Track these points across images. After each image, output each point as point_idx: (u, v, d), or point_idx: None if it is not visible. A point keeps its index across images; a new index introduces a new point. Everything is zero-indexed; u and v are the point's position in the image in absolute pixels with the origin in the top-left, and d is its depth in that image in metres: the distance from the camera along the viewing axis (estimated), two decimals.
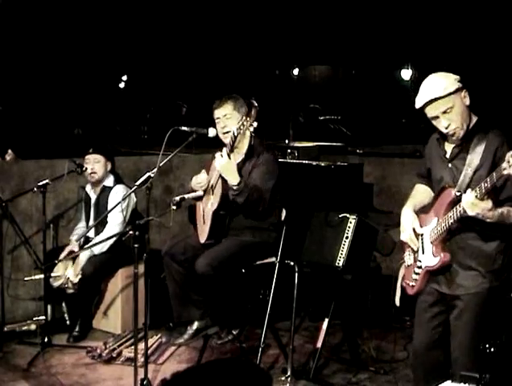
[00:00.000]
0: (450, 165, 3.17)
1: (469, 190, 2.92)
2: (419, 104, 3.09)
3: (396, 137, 14.21)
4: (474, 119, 3.13)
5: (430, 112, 3.09)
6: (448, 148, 3.20)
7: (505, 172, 2.70)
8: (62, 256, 4.95)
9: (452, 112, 3.05)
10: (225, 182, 4.35)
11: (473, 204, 2.87)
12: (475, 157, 3.03)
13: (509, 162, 2.67)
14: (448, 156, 3.19)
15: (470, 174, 3.03)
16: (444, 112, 3.05)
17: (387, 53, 18.94)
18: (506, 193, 3.00)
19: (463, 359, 3.16)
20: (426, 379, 3.35)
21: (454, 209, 3.03)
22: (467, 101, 3.08)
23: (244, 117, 4.20)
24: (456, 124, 3.07)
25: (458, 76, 3.11)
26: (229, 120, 4.53)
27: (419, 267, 3.26)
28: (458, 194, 3.04)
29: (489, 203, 2.87)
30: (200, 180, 4.68)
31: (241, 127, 4.19)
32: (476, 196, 2.86)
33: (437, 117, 3.08)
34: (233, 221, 4.58)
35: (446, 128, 3.08)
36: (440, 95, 3.03)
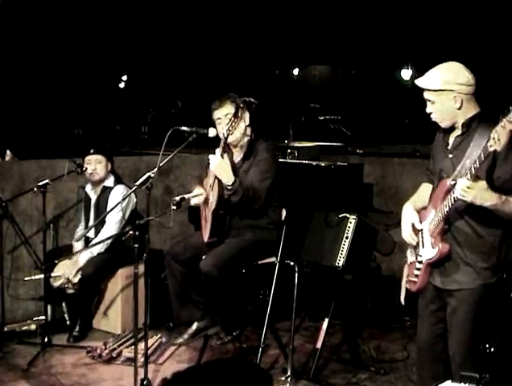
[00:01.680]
0: (450, 156, 3.19)
1: (459, 178, 2.93)
2: (416, 82, 3.19)
3: (396, 137, 14.22)
4: (473, 112, 3.14)
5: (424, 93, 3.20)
6: (451, 140, 3.22)
7: (491, 149, 2.76)
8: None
9: (434, 106, 3.15)
10: (221, 181, 4.35)
11: (469, 188, 2.87)
12: (475, 149, 3.04)
13: (494, 138, 2.72)
14: (449, 147, 3.22)
15: (468, 166, 3.04)
16: (428, 101, 3.17)
17: (387, 53, 18.94)
18: (507, 186, 3.00)
19: (459, 356, 3.17)
20: (429, 375, 3.35)
21: (448, 197, 3.05)
22: (456, 105, 3.10)
23: (232, 118, 4.24)
24: (436, 116, 3.19)
25: (467, 78, 3.10)
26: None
27: (420, 262, 3.26)
28: (453, 183, 3.04)
29: (483, 183, 2.89)
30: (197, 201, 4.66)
31: (230, 128, 4.24)
32: (467, 178, 2.87)
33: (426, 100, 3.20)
34: (235, 220, 4.58)
35: (428, 113, 3.20)
36: (425, 87, 3.14)
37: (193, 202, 4.63)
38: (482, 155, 2.82)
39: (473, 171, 2.86)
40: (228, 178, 4.29)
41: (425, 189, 3.44)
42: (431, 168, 3.42)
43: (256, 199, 4.40)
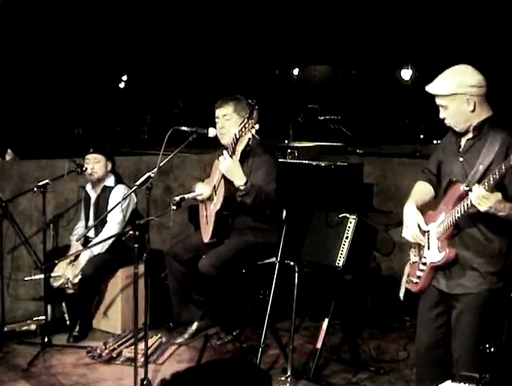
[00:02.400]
0: (461, 159, 3.17)
1: (476, 185, 2.91)
2: (427, 89, 3.17)
3: (396, 137, 14.24)
4: (486, 115, 3.12)
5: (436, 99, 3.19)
6: (462, 143, 3.20)
7: None
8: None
9: (448, 111, 3.12)
10: (228, 183, 4.33)
11: (484, 198, 2.86)
12: (488, 155, 3.02)
13: None
14: (460, 150, 3.20)
15: (481, 171, 3.01)
16: (441, 106, 3.14)
17: (387, 53, 18.95)
18: None
19: (464, 359, 3.16)
20: (428, 379, 3.34)
21: (461, 203, 3.03)
22: (469, 108, 3.07)
23: (246, 120, 4.13)
24: (451, 121, 3.15)
25: (478, 80, 3.08)
26: (227, 121, 4.52)
27: (424, 263, 3.24)
28: (467, 189, 3.00)
29: (498, 195, 2.87)
30: (202, 192, 4.64)
31: (243, 129, 4.13)
32: (484, 188, 2.86)
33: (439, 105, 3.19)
34: (236, 221, 4.58)
35: (442, 119, 3.18)
36: (437, 93, 3.12)
37: (194, 195, 4.57)
38: (503, 167, 2.80)
39: (491, 182, 2.84)
40: (240, 179, 4.27)
41: (422, 187, 3.42)
42: (430, 168, 3.41)
43: (269, 203, 4.38)
